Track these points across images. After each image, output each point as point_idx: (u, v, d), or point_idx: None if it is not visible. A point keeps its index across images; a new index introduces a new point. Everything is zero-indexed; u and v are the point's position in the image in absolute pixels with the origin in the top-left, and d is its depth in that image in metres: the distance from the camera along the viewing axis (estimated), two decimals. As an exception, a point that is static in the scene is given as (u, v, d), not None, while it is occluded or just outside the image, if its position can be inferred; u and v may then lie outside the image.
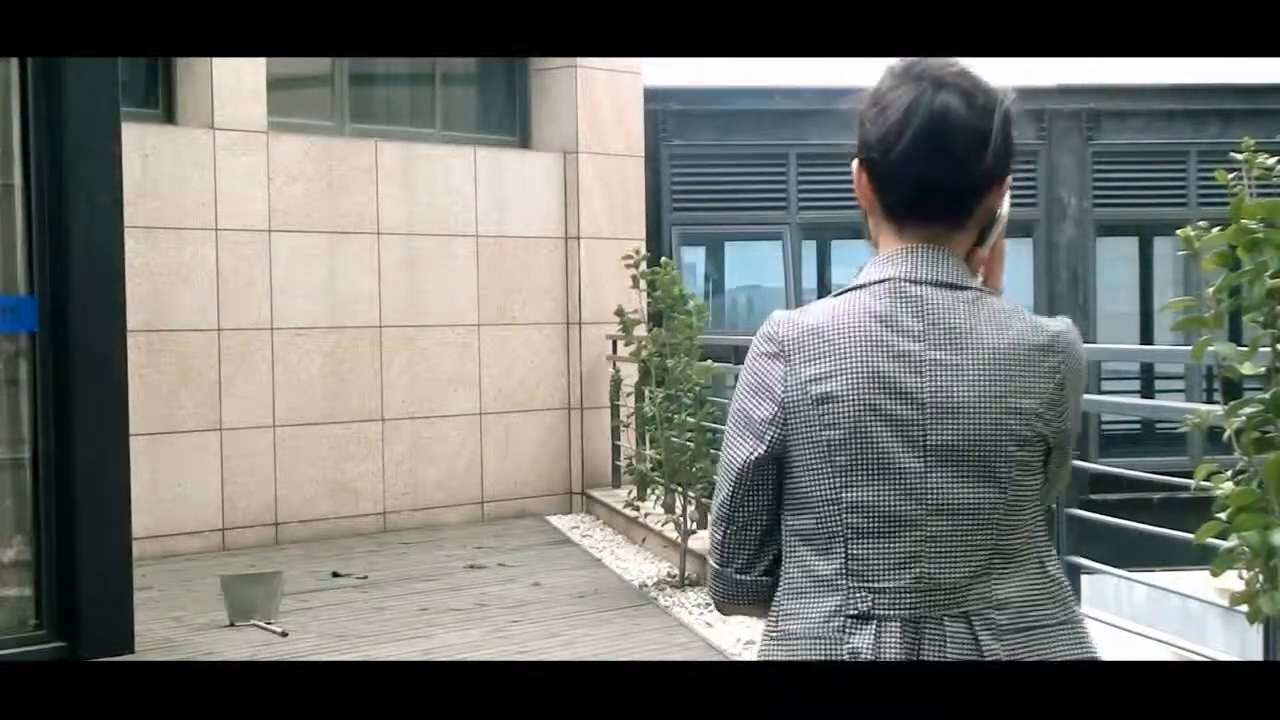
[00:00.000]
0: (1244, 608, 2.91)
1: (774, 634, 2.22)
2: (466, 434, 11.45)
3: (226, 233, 10.19)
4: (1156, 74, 14.95)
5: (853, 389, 2.11)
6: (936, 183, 2.16)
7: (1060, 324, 2.19)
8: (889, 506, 2.11)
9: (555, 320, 11.97)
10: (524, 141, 12.21)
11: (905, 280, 2.15)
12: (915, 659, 2.14)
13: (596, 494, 11.70)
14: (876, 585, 2.13)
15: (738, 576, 2.24)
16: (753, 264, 16.71)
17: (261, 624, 7.68)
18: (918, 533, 2.11)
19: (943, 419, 2.11)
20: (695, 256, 16.17)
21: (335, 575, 9.17)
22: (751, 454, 2.16)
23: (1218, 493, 2.87)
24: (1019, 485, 2.14)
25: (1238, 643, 11.14)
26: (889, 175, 2.18)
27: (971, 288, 2.17)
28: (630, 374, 11.12)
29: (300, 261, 10.56)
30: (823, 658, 2.15)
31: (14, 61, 6.81)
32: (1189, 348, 3.05)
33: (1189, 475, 3.04)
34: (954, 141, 2.15)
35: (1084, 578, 6.13)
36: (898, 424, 2.10)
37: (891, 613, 2.12)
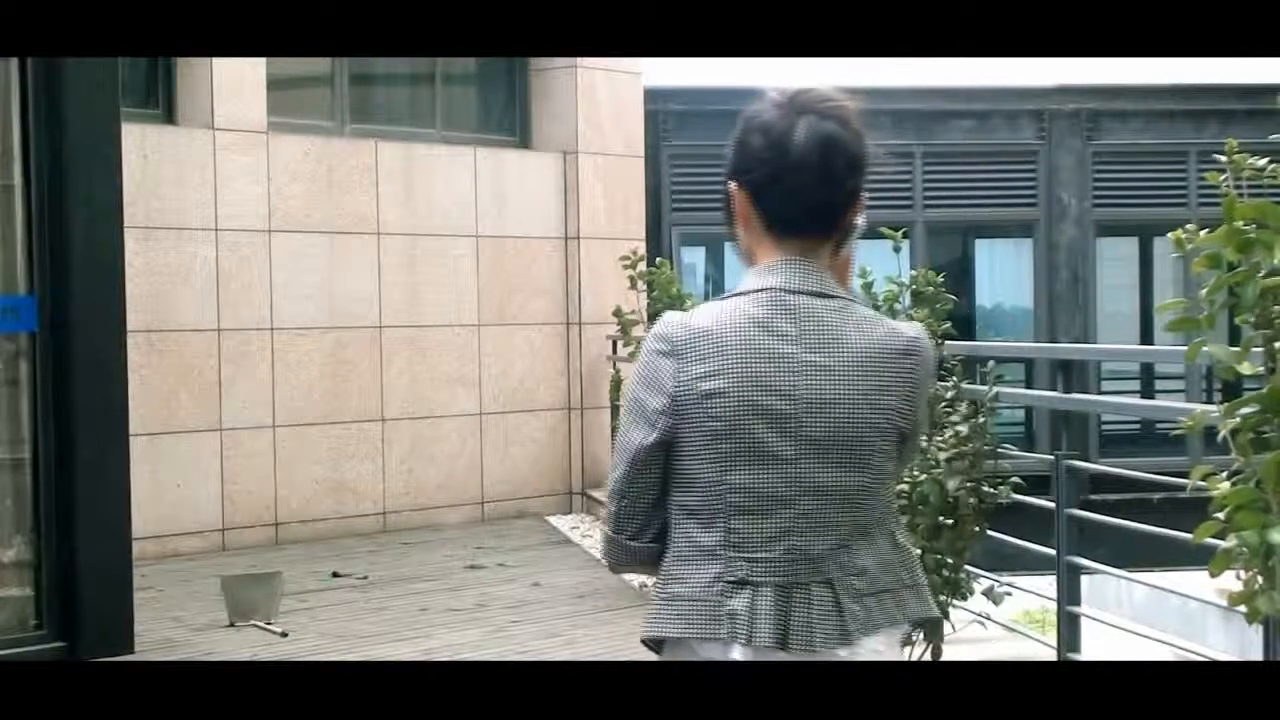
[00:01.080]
0: (1243, 608, 2.91)
1: (664, 596, 2.51)
2: (466, 434, 11.45)
3: (226, 233, 10.19)
4: (1156, 74, 14.95)
5: (735, 386, 2.41)
6: (820, 201, 2.47)
7: (915, 329, 2.54)
8: (765, 488, 2.43)
9: (555, 320, 11.96)
10: (524, 141, 12.21)
11: (783, 290, 2.46)
12: (785, 619, 2.43)
13: (596, 494, 11.69)
14: (753, 556, 2.44)
15: (629, 543, 2.55)
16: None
17: (261, 624, 7.68)
18: (790, 511, 2.44)
19: (814, 413, 2.43)
20: (695, 257, 16.16)
21: (335, 575, 9.17)
22: (645, 439, 2.47)
23: (1214, 493, 2.87)
24: (877, 470, 2.48)
25: (1238, 643, 11.14)
26: (778, 195, 2.47)
27: (840, 296, 2.49)
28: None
29: (300, 261, 10.56)
30: (705, 618, 2.44)
31: (14, 61, 6.81)
32: (1186, 348, 3.05)
33: (1189, 476, 3.04)
34: (836, 164, 2.45)
35: (1084, 578, 6.13)
36: (774, 417, 2.42)
37: (765, 579, 2.43)
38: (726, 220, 2.58)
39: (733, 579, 2.44)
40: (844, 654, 2.45)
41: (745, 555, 2.44)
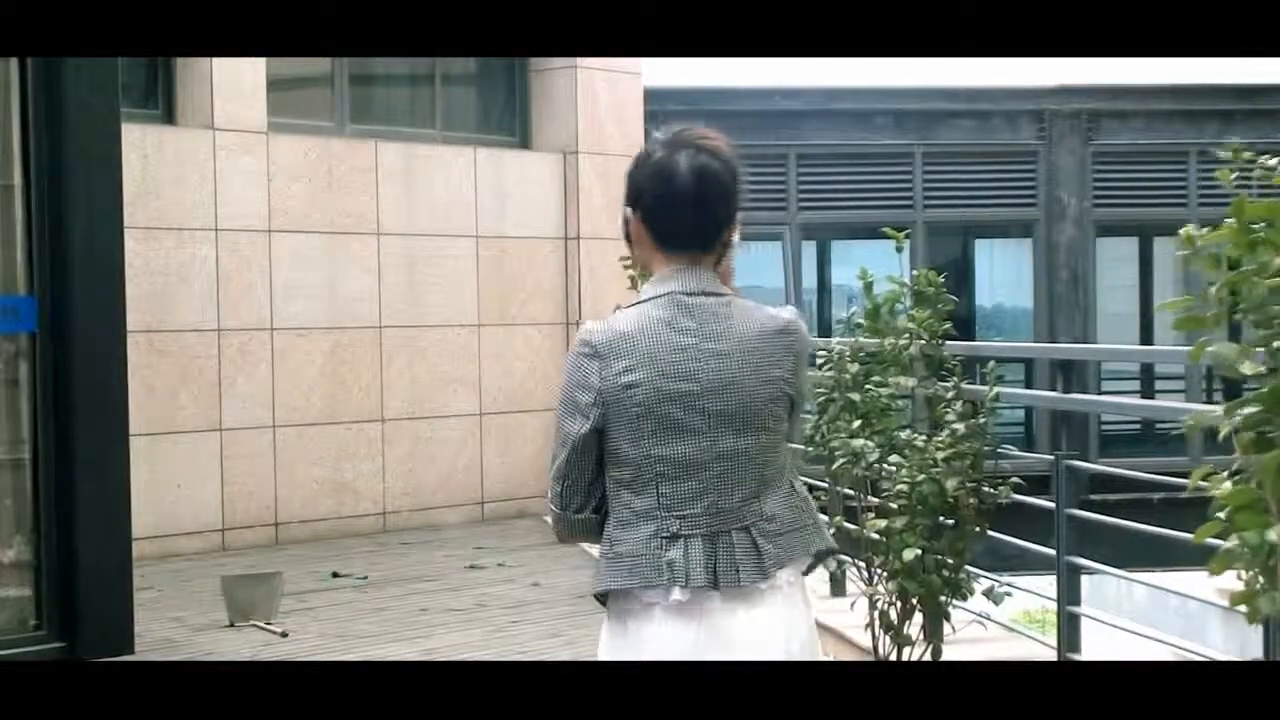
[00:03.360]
0: (1243, 608, 2.91)
1: (609, 556, 2.94)
2: (466, 434, 11.45)
3: (226, 233, 10.19)
4: (1156, 74, 14.95)
5: (649, 377, 2.90)
6: (699, 221, 2.96)
7: (790, 312, 3.03)
8: (684, 457, 2.90)
9: (555, 320, 11.96)
10: (524, 141, 12.21)
11: (680, 293, 2.95)
12: (714, 563, 2.89)
13: (596, 494, 11.68)
14: (680, 513, 2.91)
15: (574, 516, 2.99)
16: (752, 265, 16.70)
17: (261, 624, 7.68)
18: (706, 473, 2.91)
19: (717, 392, 2.91)
20: (695, 256, 16.16)
21: (335, 575, 9.17)
22: (581, 428, 2.93)
23: (1215, 493, 2.86)
24: (773, 432, 2.97)
25: (1237, 643, 11.14)
26: (665, 217, 2.96)
27: (725, 294, 2.98)
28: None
29: (300, 261, 10.56)
30: (648, 569, 2.89)
31: (14, 61, 6.80)
32: (1189, 348, 3.05)
33: (1189, 476, 3.03)
34: (711, 191, 2.95)
35: (1084, 578, 6.12)
36: (684, 398, 2.90)
37: (693, 532, 2.90)
38: (625, 241, 3.07)
39: (666, 534, 2.90)
40: (763, 586, 2.91)
41: (675, 514, 2.90)
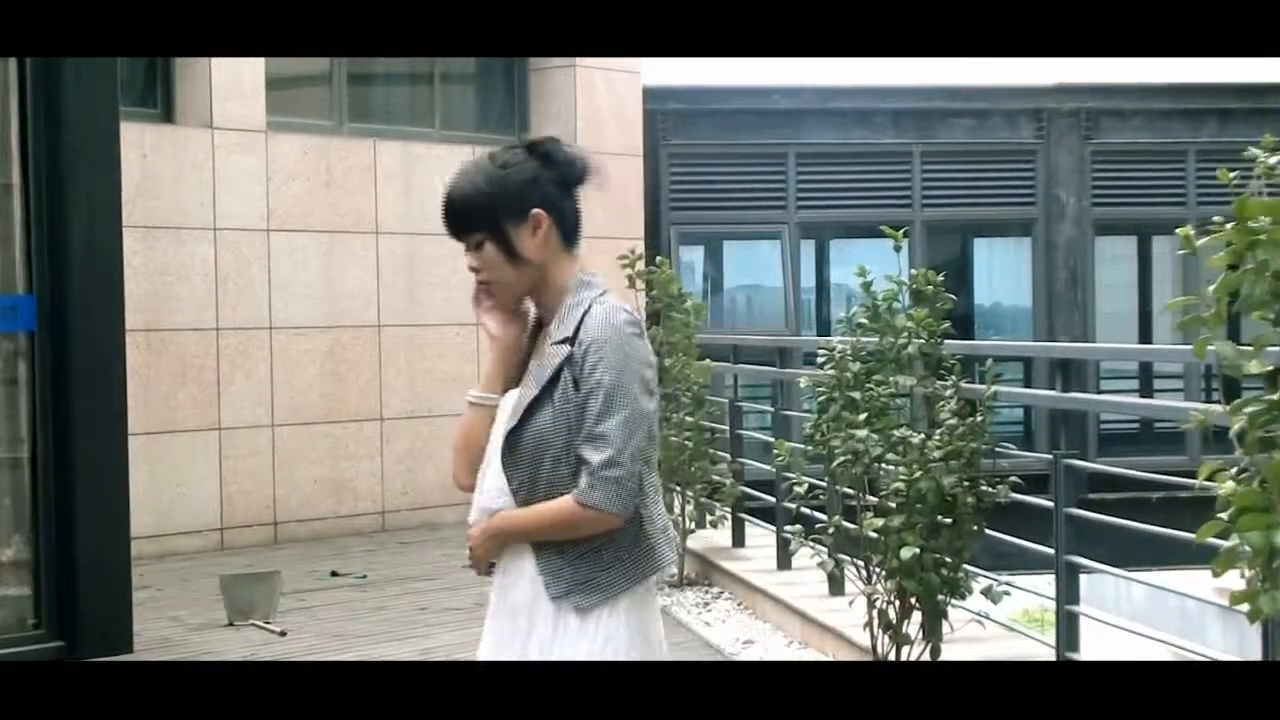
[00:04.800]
0: (1244, 607, 2.91)
1: (661, 535, 2.94)
2: (465, 433, 11.44)
3: (225, 232, 10.19)
4: (1156, 74, 14.95)
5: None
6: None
7: None
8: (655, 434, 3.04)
9: (554, 320, 11.96)
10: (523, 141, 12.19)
11: (607, 288, 3.04)
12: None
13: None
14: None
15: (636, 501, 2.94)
16: (751, 263, 16.70)
17: (260, 623, 7.68)
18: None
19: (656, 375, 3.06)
20: (694, 256, 16.16)
21: (334, 575, 9.17)
22: (653, 405, 2.94)
23: (1220, 491, 2.86)
24: None
25: (1237, 643, 11.15)
26: (577, 215, 3.09)
27: None
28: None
29: (299, 261, 10.56)
30: (669, 543, 2.97)
31: (14, 61, 6.80)
32: (1188, 347, 3.05)
33: (1187, 475, 3.04)
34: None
35: (1083, 577, 6.13)
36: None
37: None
38: (511, 252, 3.00)
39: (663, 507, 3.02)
40: None
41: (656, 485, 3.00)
